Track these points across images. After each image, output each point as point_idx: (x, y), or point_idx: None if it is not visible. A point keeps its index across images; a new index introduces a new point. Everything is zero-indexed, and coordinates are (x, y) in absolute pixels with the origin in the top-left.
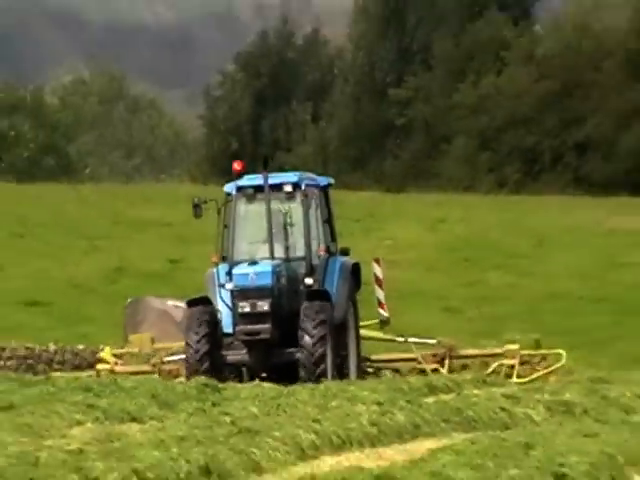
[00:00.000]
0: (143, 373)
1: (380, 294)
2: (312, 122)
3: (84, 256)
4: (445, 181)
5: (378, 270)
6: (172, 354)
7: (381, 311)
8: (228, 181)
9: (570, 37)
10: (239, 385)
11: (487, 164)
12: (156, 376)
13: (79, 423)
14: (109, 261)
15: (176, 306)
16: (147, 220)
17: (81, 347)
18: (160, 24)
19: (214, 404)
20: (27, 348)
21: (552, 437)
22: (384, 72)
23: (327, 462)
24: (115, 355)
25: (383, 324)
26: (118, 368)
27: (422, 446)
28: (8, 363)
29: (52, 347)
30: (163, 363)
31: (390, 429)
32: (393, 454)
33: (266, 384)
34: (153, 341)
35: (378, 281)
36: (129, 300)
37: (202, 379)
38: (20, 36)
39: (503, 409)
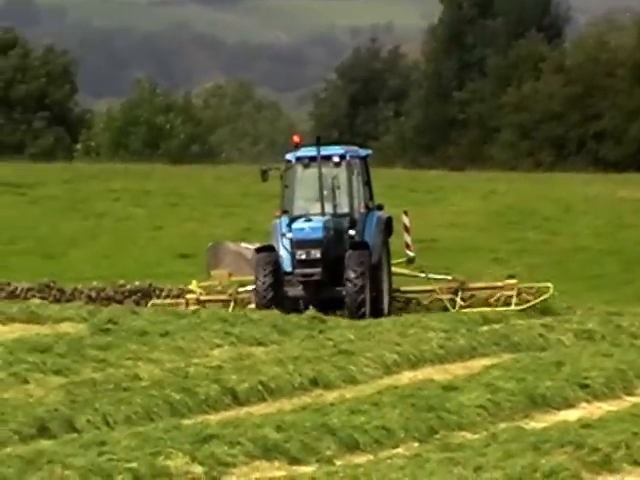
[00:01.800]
0: (221, 301)
1: (408, 238)
2: (394, 117)
3: (221, 220)
4: (495, 163)
5: (406, 220)
6: (244, 286)
7: (408, 252)
8: (289, 151)
9: (591, 51)
10: (340, 318)
11: (527, 149)
12: (276, 311)
13: (218, 346)
14: (240, 223)
15: (247, 248)
16: (269, 193)
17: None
18: (279, 44)
19: (320, 331)
20: (179, 288)
21: (578, 357)
22: (449, 79)
23: (406, 376)
24: (201, 287)
25: (409, 262)
26: (202, 297)
27: (478, 363)
28: (166, 300)
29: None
30: (238, 293)
31: (454, 350)
32: (456, 369)
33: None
34: (230, 275)
35: (406, 228)
36: (210, 244)
37: (312, 313)
38: (174, 55)
39: (540, 335)
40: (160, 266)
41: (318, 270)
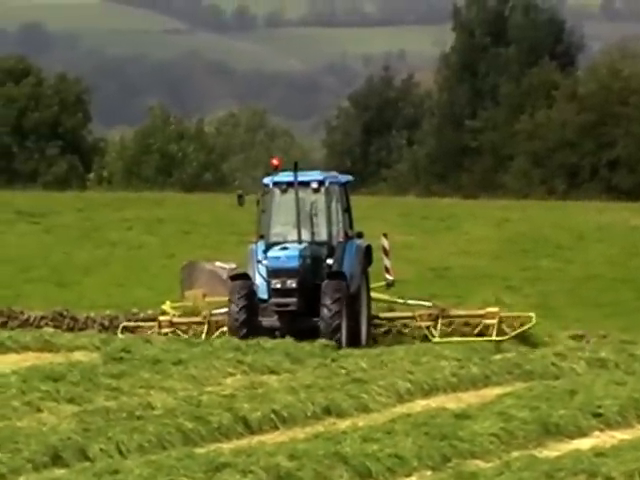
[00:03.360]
0: (195, 324)
1: (387, 262)
2: (407, 146)
3: (235, 248)
4: (508, 190)
5: (386, 243)
6: (219, 308)
7: (387, 276)
8: (266, 175)
9: (604, 79)
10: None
11: (540, 177)
12: (290, 339)
13: (231, 374)
14: None
15: (222, 267)
16: None
17: None
18: (292, 72)
19: (333, 360)
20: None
21: (591, 385)
22: (462, 107)
23: (419, 404)
24: (174, 308)
25: (389, 286)
26: (176, 319)
27: (491, 392)
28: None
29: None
30: (212, 315)
31: (467, 379)
32: (469, 398)
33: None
34: (204, 296)
35: (385, 252)
36: (184, 263)
37: (323, 341)
38: (186, 82)
39: (553, 364)
40: (173, 294)
41: (293, 300)
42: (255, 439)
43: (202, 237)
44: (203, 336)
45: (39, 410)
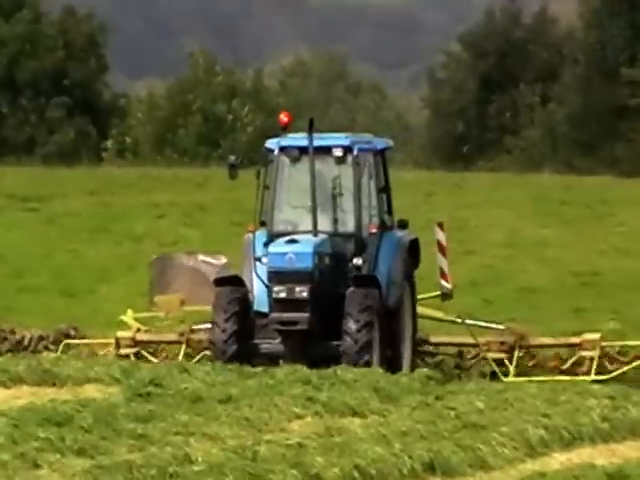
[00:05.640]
0: (168, 343)
1: (443, 262)
2: (541, 105)
3: None
4: None
5: (441, 236)
6: (202, 322)
7: (443, 282)
8: (273, 136)
9: None
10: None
11: None
12: (379, 370)
13: (298, 417)
14: None
15: (208, 263)
16: None
17: None
18: (383, 4)
19: (438, 398)
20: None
21: None
22: (617, 51)
23: (557, 459)
24: (137, 320)
25: (445, 297)
26: (141, 336)
27: None
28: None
29: None
30: (192, 332)
31: (623, 425)
32: (626, 451)
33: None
34: (182, 303)
35: (441, 248)
36: (154, 257)
37: (425, 371)
38: (241, 18)
39: None
40: None
41: (305, 316)
42: None
43: None
44: (179, 359)
45: (37, 466)
